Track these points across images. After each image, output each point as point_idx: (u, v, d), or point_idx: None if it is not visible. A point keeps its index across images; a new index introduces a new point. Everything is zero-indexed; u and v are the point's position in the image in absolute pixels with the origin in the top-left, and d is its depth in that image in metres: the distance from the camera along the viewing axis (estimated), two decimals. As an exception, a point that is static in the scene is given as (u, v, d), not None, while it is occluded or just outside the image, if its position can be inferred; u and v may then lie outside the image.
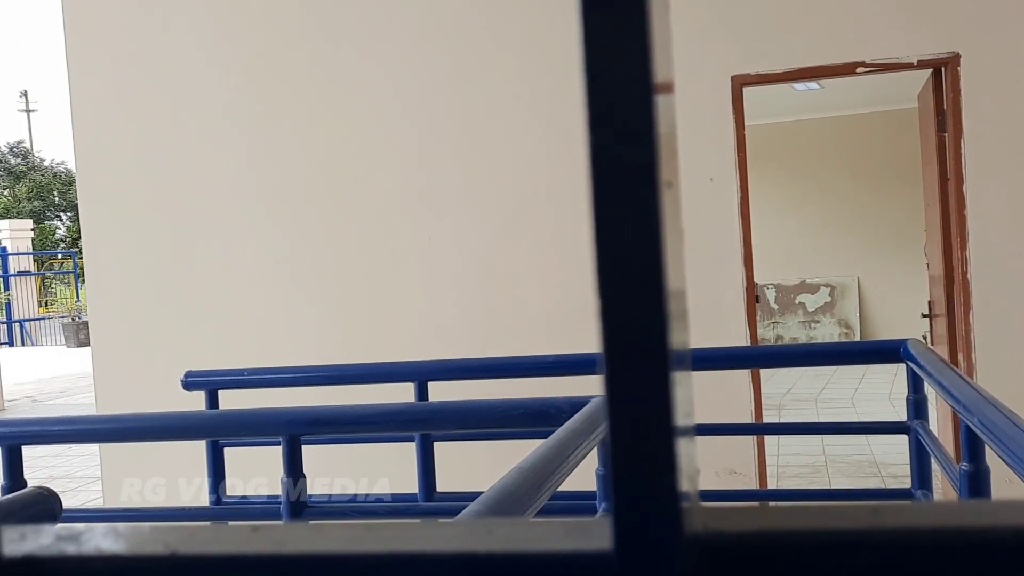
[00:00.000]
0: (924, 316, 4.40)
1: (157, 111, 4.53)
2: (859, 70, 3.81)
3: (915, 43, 3.75)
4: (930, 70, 3.92)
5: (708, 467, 3.84)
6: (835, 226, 10.15)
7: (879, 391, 7.58)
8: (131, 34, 4.55)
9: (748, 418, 3.88)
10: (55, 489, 1.39)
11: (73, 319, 16.58)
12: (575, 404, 2.22)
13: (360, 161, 4.30)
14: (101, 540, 0.25)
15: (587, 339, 3.91)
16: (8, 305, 17.09)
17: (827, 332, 10.57)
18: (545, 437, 3.14)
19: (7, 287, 17.24)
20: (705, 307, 3.91)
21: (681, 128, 3.89)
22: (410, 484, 2.74)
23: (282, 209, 4.35)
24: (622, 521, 0.21)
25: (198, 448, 3.32)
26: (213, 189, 4.45)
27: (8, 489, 2.49)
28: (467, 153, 4.21)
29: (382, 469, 3.25)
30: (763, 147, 9.08)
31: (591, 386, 2.79)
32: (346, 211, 4.30)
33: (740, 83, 3.94)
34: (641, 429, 0.21)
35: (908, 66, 3.80)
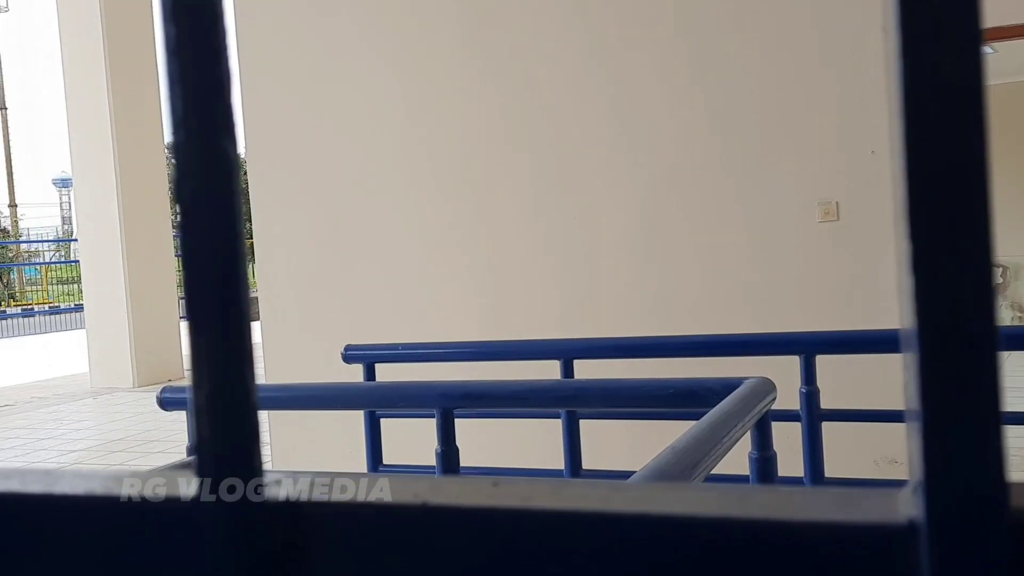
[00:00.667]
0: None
1: (321, 97, 4.71)
2: (1038, 35, 3.52)
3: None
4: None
5: (866, 456, 3.67)
6: (1008, 200, 9.45)
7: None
8: (297, 22, 4.73)
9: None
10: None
11: (242, 294, 17.52)
12: (728, 385, 2.16)
13: (510, 140, 4.33)
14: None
15: (731, 320, 3.80)
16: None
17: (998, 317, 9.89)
18: (692, 419, 3.08)
19: (185, 264, 18.35)
20: (866, 286, 3.73)
21: (841, 96, 3.71)
22: (550, 462, 2.76)
23: (438, 189, 4.44)
24: (937, 496, 0.19)
25: (355, 418, 3.46)
26: (373, 171, 4.59)
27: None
28: (615, 128, 4.16)
29: (523, 446, 3.28)
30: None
31: (738, 368, 2.72)
32: (497, 190, 4.34)
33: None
34: (964, 409, 0.19)
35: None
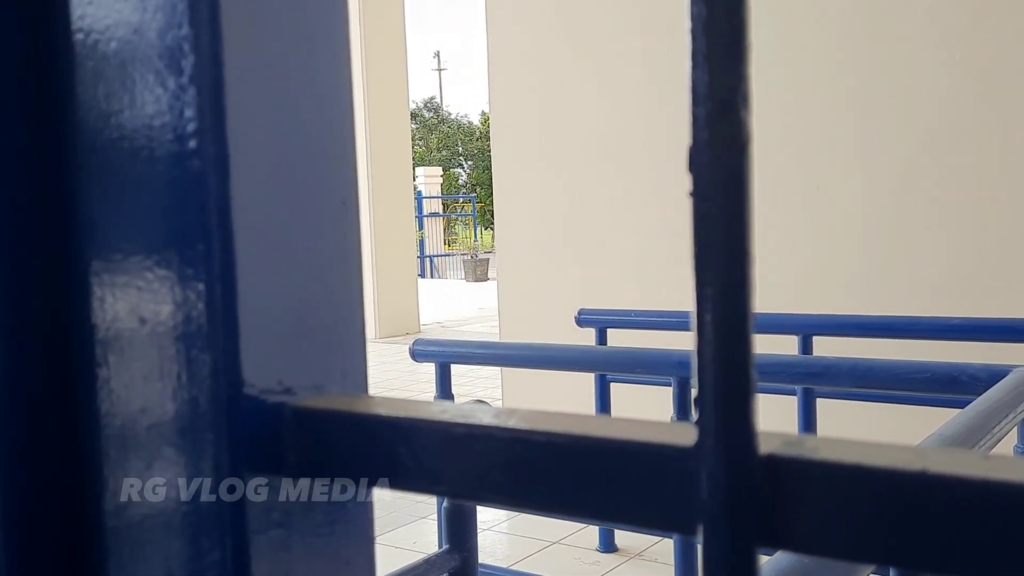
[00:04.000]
0: None
1: (564, 64, 4.76)
2: None
3: None
4: None
5: None
6: None
7: None
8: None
9: None
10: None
11: (472, 256, 18.28)
12: (994, 373, 1.99)
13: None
14: (826, 448, 0.26)
15: (989, 303, 3.48)
16: (422, 242, 19.29)
17: None
18: (947, 406, 2.88)
19: (421, 226, 19.43)
20: None
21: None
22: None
23: (679, 155, 4.38)
24: None
25: (585, 381, 3.51)
26: (612, 135, 4.60)
27: (440, 399, 2.84)
28: (867, 93, 3.90)
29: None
30: None
31: (1003, 354, 2.49)
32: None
33: None
34: None
35: None
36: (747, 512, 0.27)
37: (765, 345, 3.15)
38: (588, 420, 0.32)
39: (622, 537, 3.46)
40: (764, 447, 0.28)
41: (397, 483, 0.34)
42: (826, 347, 3.17)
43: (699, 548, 0.29)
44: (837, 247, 3.97)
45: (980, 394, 1.77)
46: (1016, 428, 1.95)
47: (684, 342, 3.71)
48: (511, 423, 0.33)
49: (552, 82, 4.80)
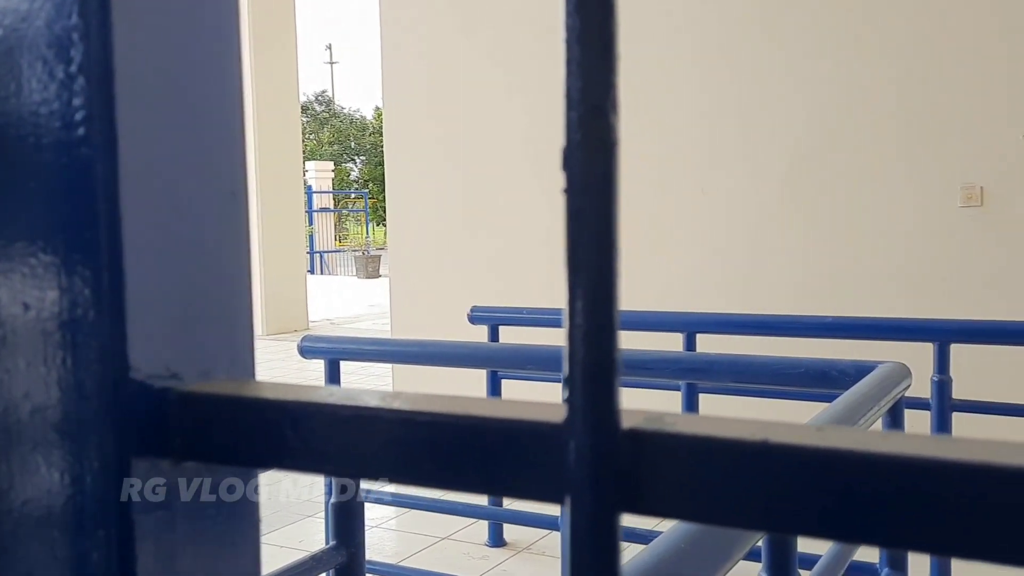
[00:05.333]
0: None
1: (459, 61, 4.78)
2: None
3: None
4: None
5: None
6: None
7: None
8: (436, -6, 4.81)
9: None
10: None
11: (363, 253, 18.08)
12: (861, 368, 2.13)
13: (648, 110, 4.30)
14: (684, 422, 0.29)
15: (863, 303, 3.70)
16: (312, 238, 18.95)
17: None
18: (818, 400, 3.04)
19: (311, 221, 19.08)
20: (1006, 276, 3.57)
21: (992, 78, 3.52)
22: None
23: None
24: None
25: (477, 378, 3.55)
26: (504, 135, 4.64)
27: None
28: (754, 105, 4.08)
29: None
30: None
31: (867, 352, 2.65)
32: (630, 160, 4.32)
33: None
34: None
35: None
36: (611, 481, 0.30)
37: (652, 342, 3.27)
38: (468, 401, 0.34)
39: (511, 531, 3.51)
40: (627, 422, 0.31)
41: (285, 465, 0.36)
42: (709, 344, 3.30)
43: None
44: (721, 249, 4.14)
45: (849, 388, 1.89)
46: (881, 419, 2.09)
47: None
48: (396, 404, 0.35)
49: (447, 78, 4.81)
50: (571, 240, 0.30)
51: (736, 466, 0.30)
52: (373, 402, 0.35)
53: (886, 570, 1.84)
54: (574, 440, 0.30)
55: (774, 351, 3.25)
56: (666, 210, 4.25)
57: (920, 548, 0.29)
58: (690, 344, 3.19)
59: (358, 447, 0.35)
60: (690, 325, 3.19)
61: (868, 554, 1.87)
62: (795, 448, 0.29)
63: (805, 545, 1.49)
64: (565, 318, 0.31)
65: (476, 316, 3.70)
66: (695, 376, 2.53)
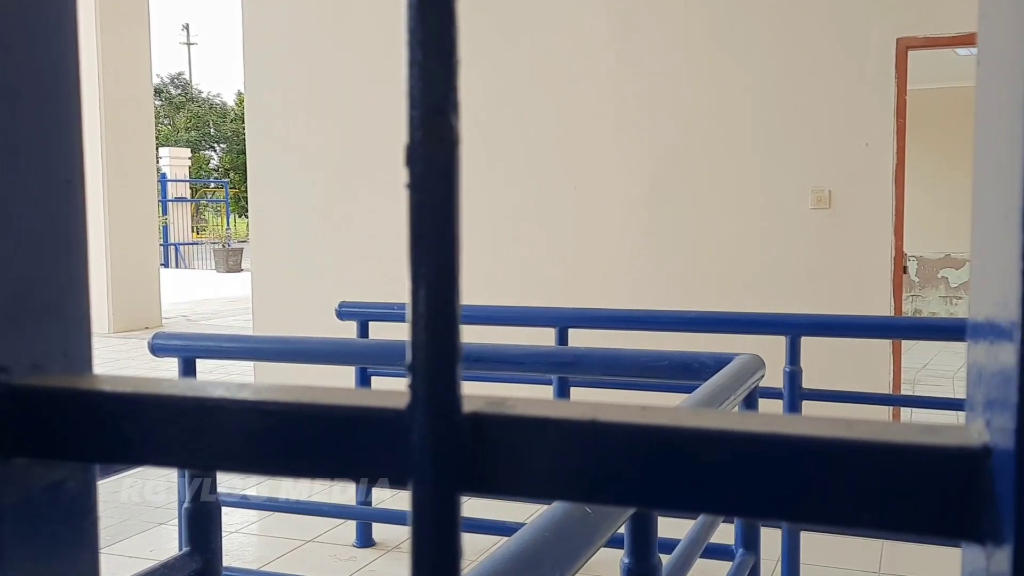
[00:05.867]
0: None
1: (325, 47, 4.70)
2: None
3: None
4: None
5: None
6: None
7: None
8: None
9: (885, 389, 3.78)
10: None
11: (224, 246, 17.50)
12: (720, 360, 2.24)
13: (511, 107, 4.35)
14: (523, 406, 0.31)
15: (722, 298, 3.88)
16: (166, 229, 18.18)
17: (964, 313, 10.07)
18: (683, 391, 3.17)
19: (165, 211, 18.31)
20: (851, 273, 3.82)
21: (840, 89, 3.77)
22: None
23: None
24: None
25: (345, 375, 3.51)
26: (376, 124, 4.60)
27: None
28: (620, 106, 4.20)
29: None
30: (916, 113, 8.60)
31: (727, 345, 2.78)
32: (496, 156, 4.37)
33: (906, 46, 3.77)
34: None
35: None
36: (452, 463, 0.32)
37: (525, 337, 3.32)
38: (315, 390, 0.35)
39: (380, 531, 3.49)
40: (469, 407, 0.33)
41: (125, 459, 0.36)
42: (581, 338, 3.39)
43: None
44: (592, 246, 4.25)
45: (709, 378, 1.99)
46: (738, 407, 2.20)
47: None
48: (242, 395, 0.35)
49: (313, 64, 4.73)
50: (413, 233, 0.32)
51: (570, 444, 0.32)
52: (218, 393, 0.35)
53: (740, 551, 1.95)
54: (416, 424, 0.32)
55: (641, 345, 3.37)
56: (539, 207, 4.33)
57: (734, 512, 0.32)
58: (562, 338, 3.26)
59: (203, 439, 0.35)
60: (562, 320, 3.27)
61: (724, 536, 1.98)
62: (621, 426, 0.32)
63: (665, 530, 1.56)
64: (408, 308, 0.32)
65: (344, 312, 3.66)
66: (566, 370, 2.59)
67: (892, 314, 3.80)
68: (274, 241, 4.83)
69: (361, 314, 3.60)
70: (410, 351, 0.32)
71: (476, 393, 0.35)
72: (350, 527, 3.49)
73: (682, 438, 0.31)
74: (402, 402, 0.33)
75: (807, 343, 2.96)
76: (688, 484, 0.31)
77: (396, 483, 0.33)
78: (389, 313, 3.63)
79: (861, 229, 3.81)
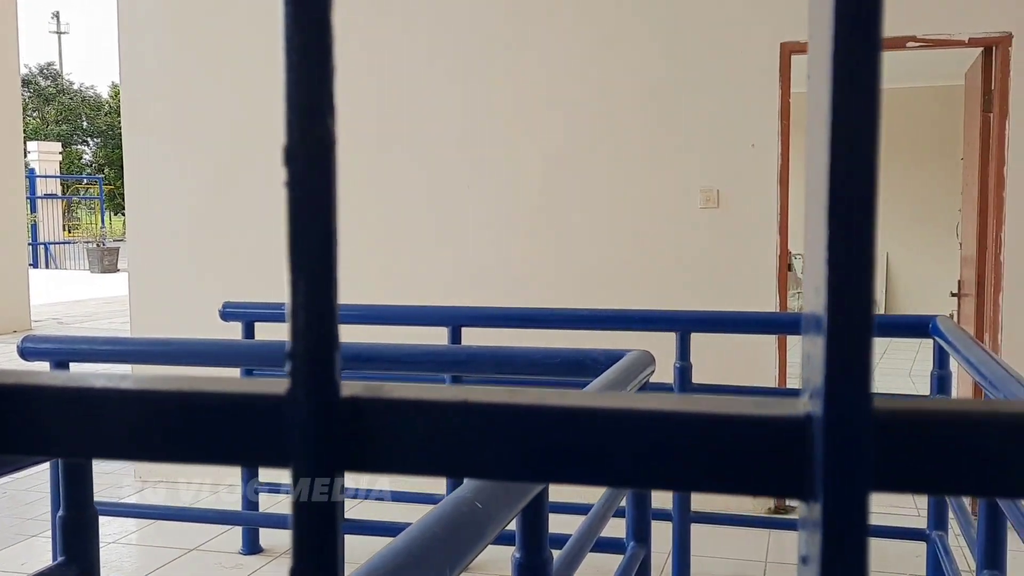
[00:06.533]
0: (953, 295, 4.45)
1: (206, 37, 4.59)
2: (909, 44, 3.82)
3: (967, 21, 3.75)
4: (980, 49, 3.92)
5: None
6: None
7: (901, 367, 7.64)
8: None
9: (772, 382, 3.96)
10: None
11: (98, 245, 16.81)
12: (611, 357, 2.31)
13: (405, 106, 4.36)
14: (398, 390, 0.35)
15: (614, 296, 3.99)
16: (34, 227, 17.35)
17: (851, 306, 10.60)
18: (577, 387, 3.24)
19: (34, 209, 17.47)
20: (739, 271, 3.98)
21: (727, 92, 3.93)
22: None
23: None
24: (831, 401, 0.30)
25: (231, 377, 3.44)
26: (258, 118, 4.52)
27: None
28: (513, 104, 4.25)
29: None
30: (801, 115, 9.00)
31: (620, 342, 2.87)
32: (391, 154, 4.36)
33: (789, 50, 3.96)
34: (849, 351, 0.29)
35: (959, 43, 3.80)
36: (332, 444, 0.35)
37: (417, 336, 3.32)
38: (198, 380, 0.37)
39: (267, 536, 3.45)
40: (347, 392, 0.36)
41: (6, 449, 0.37)
42: (474, 337, 3.42)
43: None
44: (485, 244, 4.29)
45: (601, 374, 2.06)
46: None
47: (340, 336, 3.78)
48: (125, 385, 0.37)
49: (193, 54, 4.61)
50: (292, 228, 0.34)
51: (443, 423, 0.36)
52: (101, 383, 0.37)
53: (631, 543, 2.02)
54: (296, 409, 0.35)
55: (534, 343, 3.43)
56: (432, 207, 4.35)
57: (595, 482, 0.36)
58: (455, 337, 3.29)
59: (87, 428, 0.37)
60: (454, 319, 3.30)
61: (615, 530, 2.05)
62: (490, 405, 0.35)
63: (558, 527, 1.61)
64: (287, 298, 0.35)
65: (228, 312, 3.59)
66: (459, 369, 2.63)
67: (778, 310, 3.98)
68: (152, 240, 4.69)
69: (246, 314, 3.54)
70: (290, 340, 0.35)
71: (352, 381, 0.38)
72: (236, 534, 3.43)
73: (544, 416, 0.35)
74: (282, 389, 0.36)
75: (697, 339, 3.08)
76: (552, 457, 0.35)
77: (278, 466, 0.36)
78: (275, 313, 3.58)
79: (748, 228, 3.98)
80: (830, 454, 0.32)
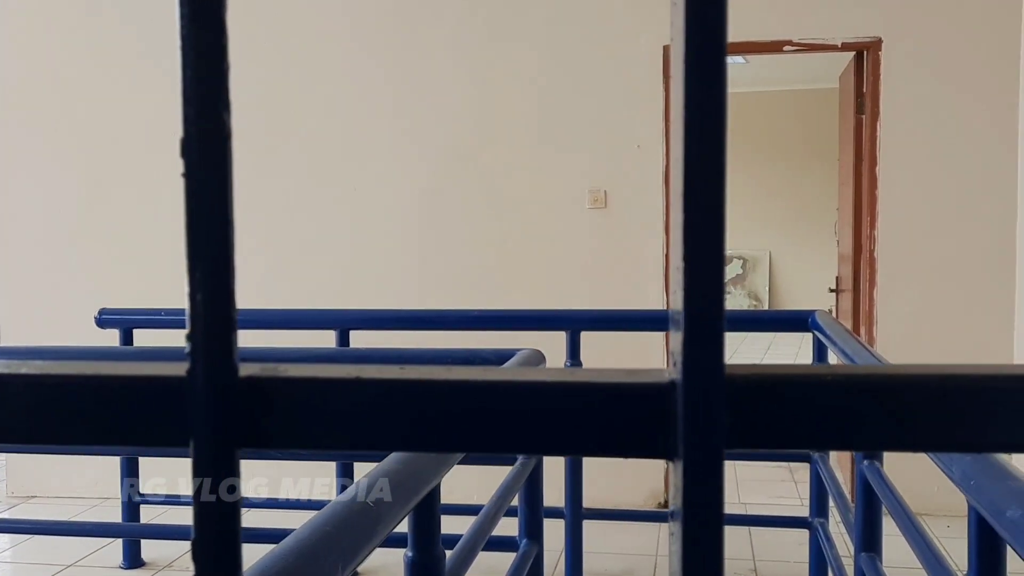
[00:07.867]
0: (832, 291, 4.69)
1: (83, 29, 4.44)
2: (786, 48, 4.01)
3: (840, 25, 3.97)
4: (853, 53, 4.15)
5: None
6: (751, 200, 10.53)
7: (784, 360, 7.99)
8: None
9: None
10: None
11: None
12: (501, 355, 2.36)
13: (287, 108, 4.31)
14: (294, 369, 0.37)
15: (504, 296, 4.05)
16: None
17: (737, 303, 11.01)
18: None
19: None
20: (626, 270, 4.10)
21: (614, 94, 4.04)
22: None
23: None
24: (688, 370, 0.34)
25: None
26: (136, 118, 4.40)
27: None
28: (398, 107, 4.27)
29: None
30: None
31: (510, 341, 2.91)
32: (276, 156, 4.30)
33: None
34: (705, 330, 0.34)
35: (832, 47, 4.01)
36: (230, 421, 0.37)
37: (305, 340, 3.29)
38: (97, 364, 0.39)
39: (149, 549, 3.36)
40: (245, 371, 0.38)
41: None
42: (363, 339, 3.42)
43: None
44: (373, 246, 4.29)
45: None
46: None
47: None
48: (24, 370, 0.39)
49: (68, 46, 4.45)
50: (190, 215, 0.37)
51: (338, 399, 0.39)
52: (0, 369, 0.39)
53: (524, 541, 2.07)
54: (196, 388, 0.37)
55: (424, 344, 3.47)
56: (317, 209, 4.31)
57: (479, 448, 0.39)
58: (343, 340, 3.28)
59: (-17, 415, 0.38)
60: (342, 322, 3.29)
61: (508, 528, 2.09)
62: (382, 381, 0.38)
63: (452, 527, 1.64)
64: (187, 282, 0.37)
65: (105, 319, 3.48)
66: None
67: (665, 308, 4.12)
68: (23, 243, 4.50)
69: (123, 321, 3.45)
70: (189, 322, 0.37)
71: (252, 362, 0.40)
72: (116, 547, 3.33)
73: (432, 389, 0.38)
74: (182, 370, 0.38)
75: (587, 337, 3.16)
76: (439, 427, 0.38)
77: (178, 444, 0.38)
78: (154, 319, 3.49)
79: (634, 228, 4.10)
80: (688, 415, 0.37)
